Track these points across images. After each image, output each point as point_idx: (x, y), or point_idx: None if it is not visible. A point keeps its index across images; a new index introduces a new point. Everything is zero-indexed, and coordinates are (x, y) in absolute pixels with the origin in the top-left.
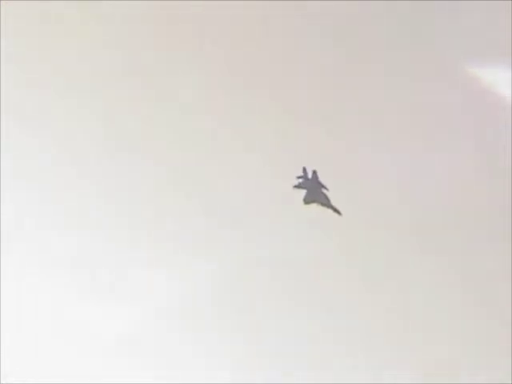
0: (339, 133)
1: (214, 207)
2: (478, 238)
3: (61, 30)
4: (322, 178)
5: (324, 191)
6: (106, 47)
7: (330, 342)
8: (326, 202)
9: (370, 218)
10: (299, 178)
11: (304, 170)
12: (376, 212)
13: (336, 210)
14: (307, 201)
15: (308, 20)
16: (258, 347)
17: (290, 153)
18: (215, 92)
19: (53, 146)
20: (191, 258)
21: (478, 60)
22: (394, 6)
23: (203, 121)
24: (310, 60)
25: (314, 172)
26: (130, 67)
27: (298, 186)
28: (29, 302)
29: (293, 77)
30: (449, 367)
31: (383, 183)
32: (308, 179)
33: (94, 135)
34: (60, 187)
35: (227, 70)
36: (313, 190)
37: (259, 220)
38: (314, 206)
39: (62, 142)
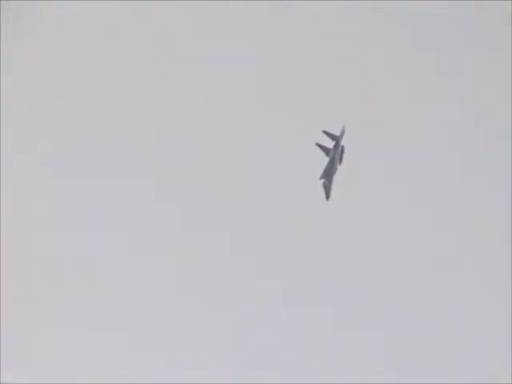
0: None
1: None
2: None
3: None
4: None
5: (337, 165)
6: None
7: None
8: (328, 185)
9: None
10: (330, 135)
11: (343, 131)
12: None
13: (327, 196)
14: (323, 176)
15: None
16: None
17: None
18: None
19: None
20: None
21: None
22: None
23: None
24: None
25: (343, 131)
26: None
27: (323, 148)
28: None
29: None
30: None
31: None
32: (338, 142)
33: None
34: None
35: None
36: (333, 161)
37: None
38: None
39: None
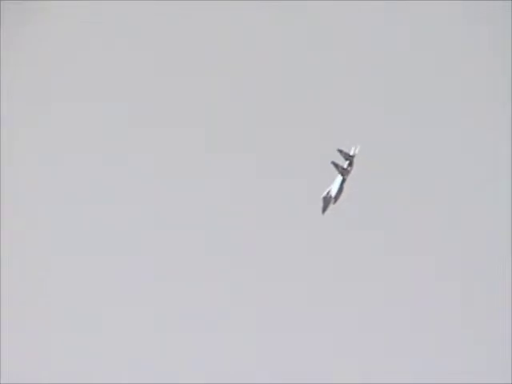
0: None
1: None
2: None
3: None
4: None
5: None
6: None
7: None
8: (330, 202)
9: None
10: (344, 154)
11: (354, 153)
12: None
13: (324, 209)
14: (336, 198)
15: None
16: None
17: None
18: None
19: None
20: None
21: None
22: None
23: None
24: None
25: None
26: None
27: (339, 170)
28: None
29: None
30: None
31: None
32: (352, 161)
33: None
34: None
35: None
36: (344, 181)
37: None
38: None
39: None
